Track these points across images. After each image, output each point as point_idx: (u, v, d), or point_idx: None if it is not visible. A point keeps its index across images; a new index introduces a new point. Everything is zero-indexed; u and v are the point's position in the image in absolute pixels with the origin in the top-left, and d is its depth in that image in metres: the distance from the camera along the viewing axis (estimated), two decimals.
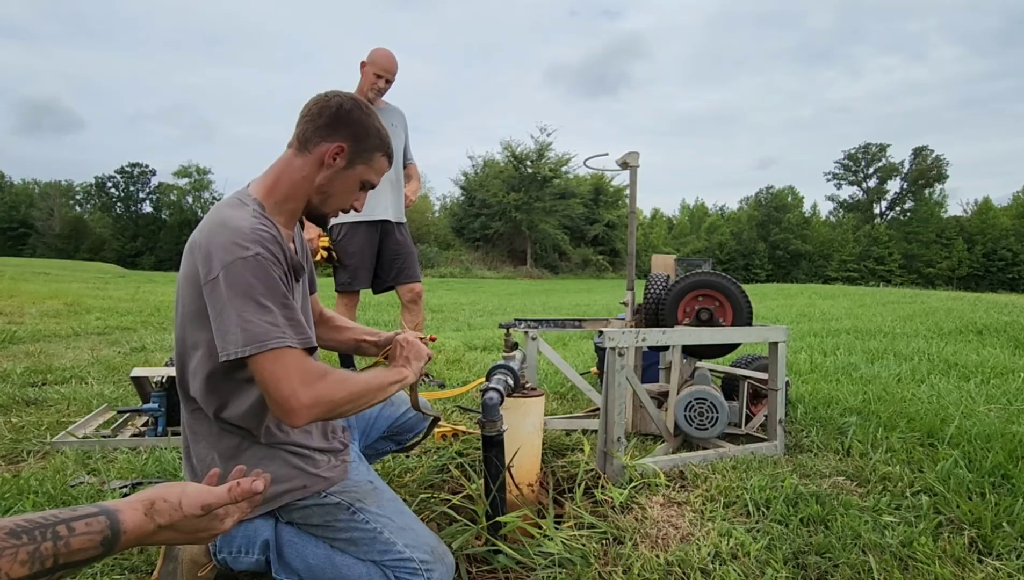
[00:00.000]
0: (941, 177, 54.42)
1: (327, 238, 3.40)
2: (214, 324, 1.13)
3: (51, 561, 0.67)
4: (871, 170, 57.69)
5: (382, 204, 3.41)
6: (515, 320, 2.79)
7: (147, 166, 54.02)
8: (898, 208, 56.50)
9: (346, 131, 1.29)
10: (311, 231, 3.24)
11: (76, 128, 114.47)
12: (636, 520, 1.72)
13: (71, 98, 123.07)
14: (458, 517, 1.69)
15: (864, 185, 58.31)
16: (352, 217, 3.32)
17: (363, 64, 3.24)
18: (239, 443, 1.26)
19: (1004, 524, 1.66)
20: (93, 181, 54.88)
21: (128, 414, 2.65)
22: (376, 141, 1.33)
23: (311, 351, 1.19)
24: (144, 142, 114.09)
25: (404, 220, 3.60)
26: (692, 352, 2.66)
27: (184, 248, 1.25)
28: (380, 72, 3.21)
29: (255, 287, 1.12)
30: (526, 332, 2.76)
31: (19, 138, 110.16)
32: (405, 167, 3.58)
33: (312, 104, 1.31)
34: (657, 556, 1.52)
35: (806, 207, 57.06)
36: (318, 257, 3.35)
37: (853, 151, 58.12)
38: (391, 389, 1.30)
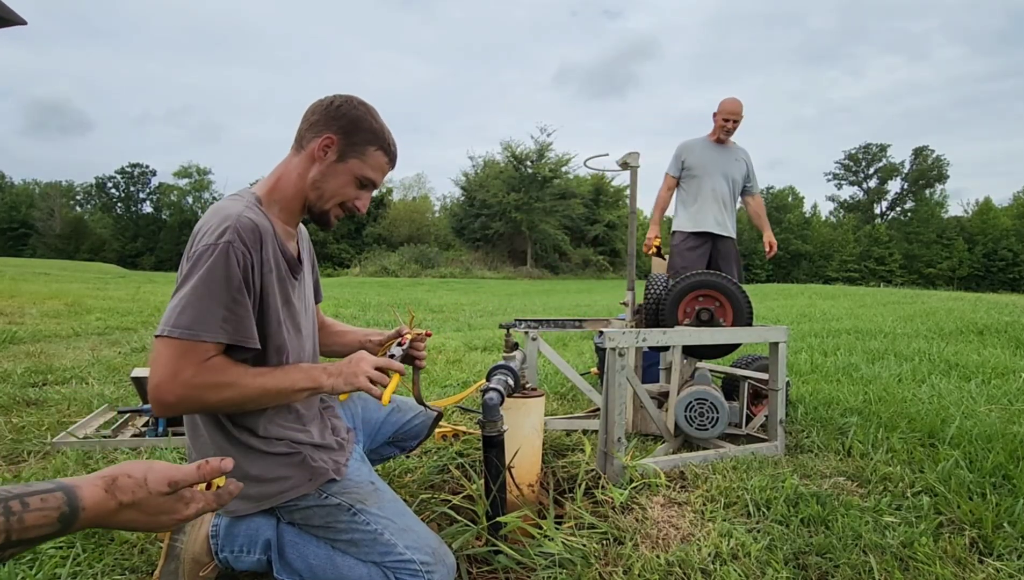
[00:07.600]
0: (941, 177, 54.43)
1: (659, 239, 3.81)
2: None
3: (3, 537, 0.65)
4: (872, 170, 57.71)
5: (710, 219, 3.75)
6: (515, 320, 2.79)
7: (147, 166, 54.23)
8: (899, 208, 56.50)
9: (336, 125, 1.30)
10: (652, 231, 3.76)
11: (85, 129, 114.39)
12: (636, 520, 1.72)
13: (82, 100, 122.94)
14: (458, 517, 1.69)
15: (865, 185, 58.32)
16: (687, 227, 3.78)
17: (714, 114, 3.77)
18: (238, 439, 1.27)
19: (1005, 524, 1.66)
20: (93, 181, 55.06)
21: (128, 414, 2.65)
22: (368, 135, 1.32)
23: (250, 349, 1.21)
24: (149, 143, 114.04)
25: (732, 234, 3.84)
26: (692, 352, 2.66)
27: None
28: (726, 116, 3.71)
29: (212, 274, 1.14)
30: (526, 332, 2.76)
31: (27, 140, 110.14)
32: (745, 194, 3.96)
33: (310, 106, 1.33)
34: (658, 556, 1.52)
35: (806, 207, 57.12)
36: (651, 252, 3.73)
37: (854, 151, 58.21)
38: (298, 395, 1.25)
